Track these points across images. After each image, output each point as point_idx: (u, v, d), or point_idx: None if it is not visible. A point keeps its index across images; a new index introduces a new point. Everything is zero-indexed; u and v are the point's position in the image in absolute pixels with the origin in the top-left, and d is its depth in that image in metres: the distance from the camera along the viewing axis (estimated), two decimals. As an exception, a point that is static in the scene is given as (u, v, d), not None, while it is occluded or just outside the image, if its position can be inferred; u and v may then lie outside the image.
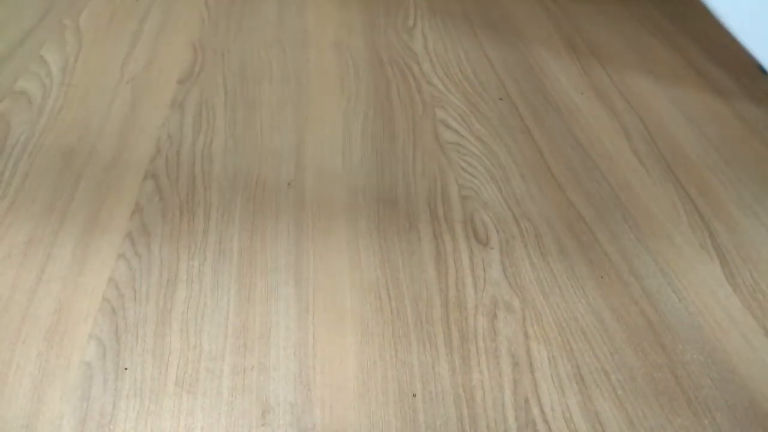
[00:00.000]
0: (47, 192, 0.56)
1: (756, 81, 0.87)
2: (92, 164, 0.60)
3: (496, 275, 0.53)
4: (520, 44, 0.89)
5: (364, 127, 0.69)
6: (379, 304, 0.49)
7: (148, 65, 0.74)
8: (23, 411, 0.40)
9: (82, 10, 0.84)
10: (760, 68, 0.89)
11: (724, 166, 0.69)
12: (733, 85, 0.85)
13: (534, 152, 0.68)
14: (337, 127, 0.68)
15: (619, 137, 0.72)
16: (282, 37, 0.84)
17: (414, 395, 0.43)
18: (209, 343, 0.45)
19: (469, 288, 0.51)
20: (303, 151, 0.64)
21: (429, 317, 0.49)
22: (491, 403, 0.43)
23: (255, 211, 0.57)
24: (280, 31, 0.85)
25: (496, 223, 0.58)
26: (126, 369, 0.43)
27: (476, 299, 0.51)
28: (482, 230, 0.57)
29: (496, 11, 0.98)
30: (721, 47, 0.95)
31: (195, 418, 0.41)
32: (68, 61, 0.74)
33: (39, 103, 0.66)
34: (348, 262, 0.53)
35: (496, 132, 0.71)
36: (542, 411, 0.43)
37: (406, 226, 0.57)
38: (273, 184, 0.60)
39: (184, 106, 0.68)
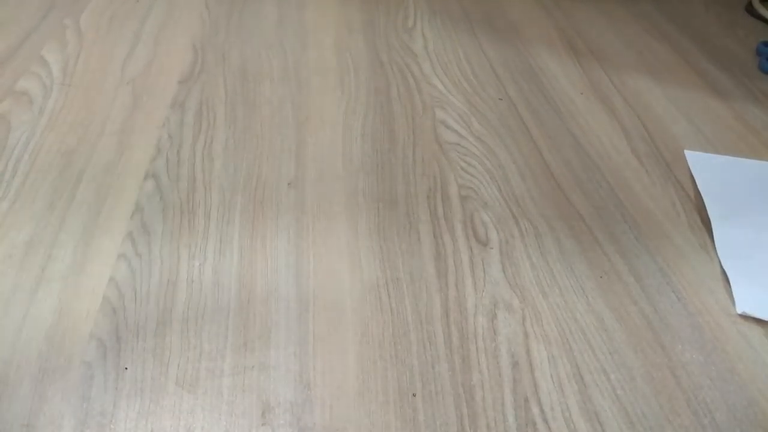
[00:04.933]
0: (48, 192, 0.56)
1: (756, 81, 0.87)
2: (93, 164, 0.60)
3: (496, 275, 0.53)
4: (519, 44, 0.89)
5: (364, 127, 0.69)
6: (379, 304, 0.49)
7: (149, 65, 0.75)
8: (24, 411, 0.40)
9: (83, 10, 0.84)
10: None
11: (724, 166, 0.69)
12: (733, 85, 0.85)
13: (534, 152, 0.68)
14: (337, 127, 0.68)
15: (618, 137, 0.72)
16: (282, 37, 0.84)
17: (414, 395, 0.43)
18: (209, 343, 0.45)
19: (469, 288, 0.52)
20: (303, 151, 0.64)
21: (429, 317, 0.49)
22: (491, 403, 0.43)
23: (255, 211, 0.57)
24: (280, 31, 0.85)
25: (496, 223, 0.58)
26: (126, 369, 0.43)
27: (476, 299, 0.51)
28: (482, 230, 0.57)
29: (495, 11, 0.98)
30: (721, 47, 0.95)
31: (195, 417, 0.41)
32: (69, 61, 0.74)
33: (39, 104, 0.67)
34: (348, 262, 0.53)
35: (496, 132, 0.71)
36: (542, 410, 0.43)
37: (406, 226, 0.57)
38: (273, 184, 0.60)
39: (185, 106, 0.68)
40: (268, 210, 0.57)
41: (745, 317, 0.52)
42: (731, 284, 0.54)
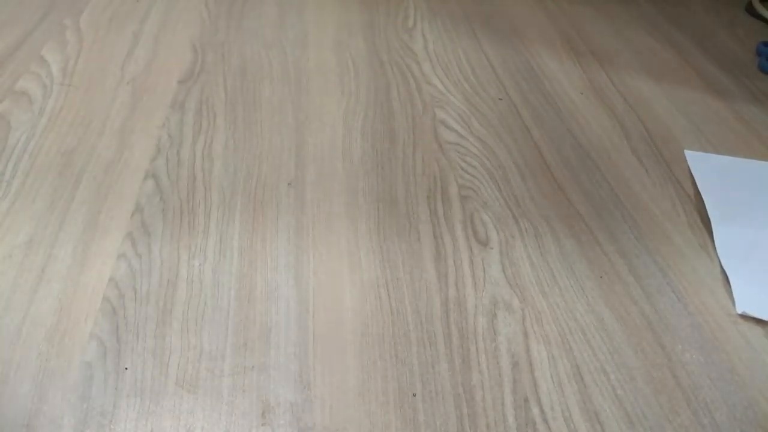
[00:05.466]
0: (48, 192, 0.56)
1: (756, 81, 0.87)
2: (93, 164, 0.60)
3: (496, 275, 0.53)
4: (520, 44, 0.89)
5: (364, 127, 0.69)
6: (379, 304, 0.49)
7: (149, 65, 0.75)
8: (24, 411, 0.40)
9: (83, 10, 0.84)
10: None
11: (724, 166, 0.69)
12: (733, 85, 0.85)
13: (534, 152, 0.68)
14: (337, 127, 0.68)
15: (618, 137, 0.72)
16: (282, 37, 0.84)
17: (414, 395, 0.43)
18: (209, 343, 0.45)
19: (469, 288, 0.52)
20: (303, 151, 0.64)
21: (429, 317, 0.49)
22: (491, 403, 0.43)
23: (255, 211, 0.57)
24: (280, 31, 0.85)
25: (496, 223, 0.58)
26: (126, 369, 0.43)
27: (476, 299, 0.51)
28: (482, 230, 0.57)
29: (496, 12, 0.98)
30: (721, 47, 0.95)
31: (195, 417, 0.41)
32: (69, 61, 0.74)
33: (39, 104, 0.67)
34: (348, 262, 0.53)
35: (496, 132, 0.71)
36: (542, 410, 0.43)
37: (406, 226, 0.57)
38: (273, 184, 0.60)
39: (185, 106, 0.68)
40: (268, 210, 0.57)
41: (745, 317, 0.52)
42: (731, 284, 0.54)
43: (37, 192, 0.56)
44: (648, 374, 0.47)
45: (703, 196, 0.63)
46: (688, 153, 0.70)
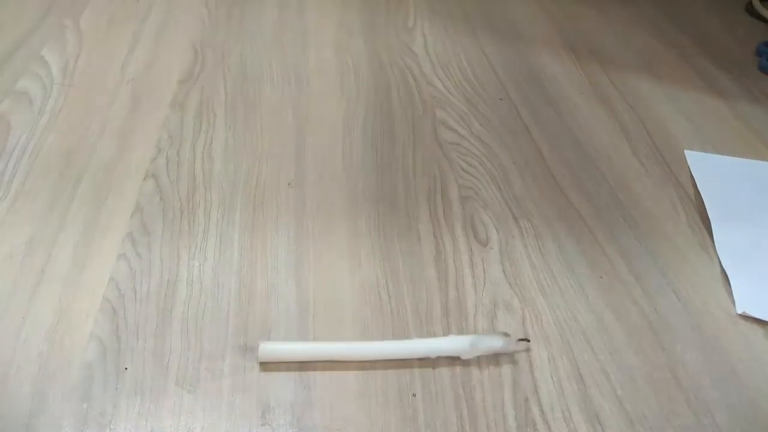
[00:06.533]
0: (47, 192, 0.56)
1: (756, 81, 0.87)
2: (93, 164, 0.60)
3: (496, 275, 0.53)
4: (520, 45, 0.89)
5: (364, 127, 0.69)
6: (379, 304, 0.49)
7: (149, 65, 0.75)
8: (24, 411, 0.40)
9: (83, 10, 0.84)
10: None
11: (724, 166, 0.69)
12: (733, 85, 0.85)
13: (534, 152, 0.68)
14: (337, 127, 0.68)
15: (618, 137, 0.72)
16: (282, 37, 0.84)
17: (414, 395, 0.43)
18: (209, 343, 0.45)
19: (469, 288, 0.52)
20: (303, 151, 0.64)
21: (429, 317, 0.49)
22: (491, 403, 0.43)
23: (255, 211, 0.57)
24: (280, 31, 0.85)
25: (496, 223, 0.58)
26: (126, 369, 0.43)
27: (476, 299, 0.51)
28: (482, 230, 0.57)
29: (496, 11, 0.98)
30: (721, 47, 0.95)
31: (195, 417, 0.41)
32: (69, 61, 0.74)
33: (39, 104, 0.67)
34: (348, 262, 0.53)
35: (496, 132, 0.71)
36: (542, 411, 0.43)
37: (406, 226, 0.57)
38: (273, 184, 0.60)
39: (185, 106, 0.68)
40: (268, 210, 0.57)
41: (745, 317, 0.52)
42: (731, 284, 0.54)
43: (37, 192, 0.56)
44: (648, 374, 0.47)
45: (703, 196, 0.63)
46: (688, 153, 0.70)
